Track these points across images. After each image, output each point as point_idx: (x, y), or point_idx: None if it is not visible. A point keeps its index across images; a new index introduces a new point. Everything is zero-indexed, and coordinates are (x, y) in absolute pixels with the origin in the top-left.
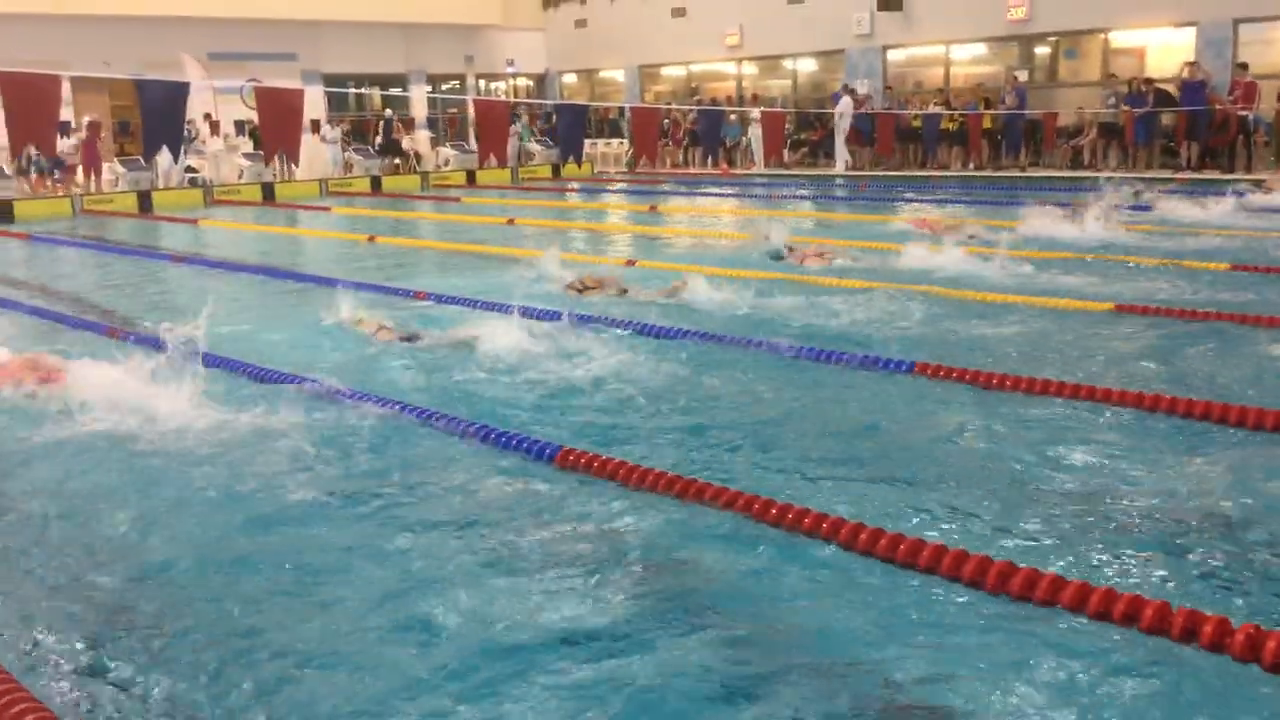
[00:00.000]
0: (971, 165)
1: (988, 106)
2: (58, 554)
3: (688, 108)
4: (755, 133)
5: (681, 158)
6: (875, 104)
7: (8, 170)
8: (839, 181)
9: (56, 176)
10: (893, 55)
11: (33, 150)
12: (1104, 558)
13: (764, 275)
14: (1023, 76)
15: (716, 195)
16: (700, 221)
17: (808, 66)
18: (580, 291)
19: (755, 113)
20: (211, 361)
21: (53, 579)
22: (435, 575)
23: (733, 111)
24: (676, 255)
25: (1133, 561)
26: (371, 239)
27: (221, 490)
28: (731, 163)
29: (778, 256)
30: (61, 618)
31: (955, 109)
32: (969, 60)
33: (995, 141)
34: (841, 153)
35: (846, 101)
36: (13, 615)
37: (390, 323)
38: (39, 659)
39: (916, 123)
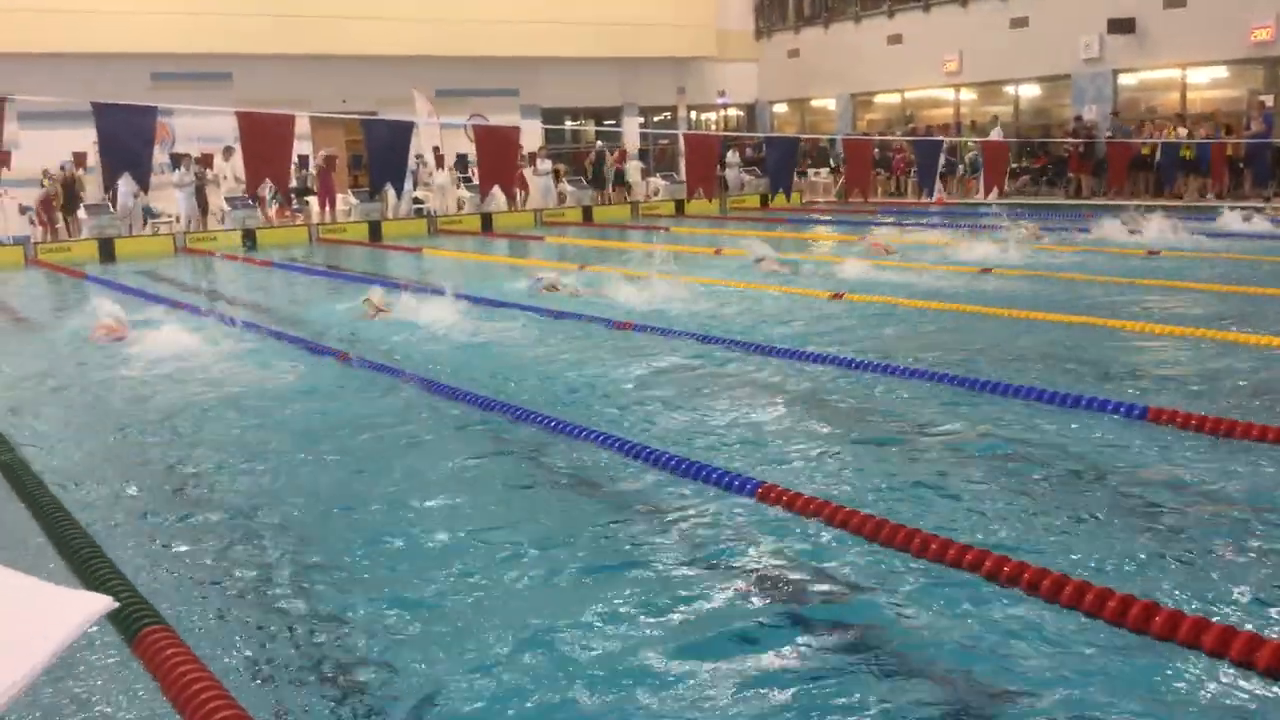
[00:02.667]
0: (1211, 195)
1: (1228, 133)
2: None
3: (909, 138)
4: (975, 160)
5: (895, 187)
6: (1101, 130)
7: (253, 202)
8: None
9: (295, 206)
10: (1124, 79)
11: (269, 184)
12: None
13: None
14: (1269, 101)
15: (928, 225)
16: (907, 254)
17: (1030, 91)
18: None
19: (993, 135)
20: (438, 389)
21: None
22: (627, 597)
23: (953, 140)
24: (890, 282)
25: None
26: (582, 268)
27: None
28: (947, 191)
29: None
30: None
31: (1194, 135)
32: (1207, 84)
33: (1237, 170)
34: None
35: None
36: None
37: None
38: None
39: (1146, 150)
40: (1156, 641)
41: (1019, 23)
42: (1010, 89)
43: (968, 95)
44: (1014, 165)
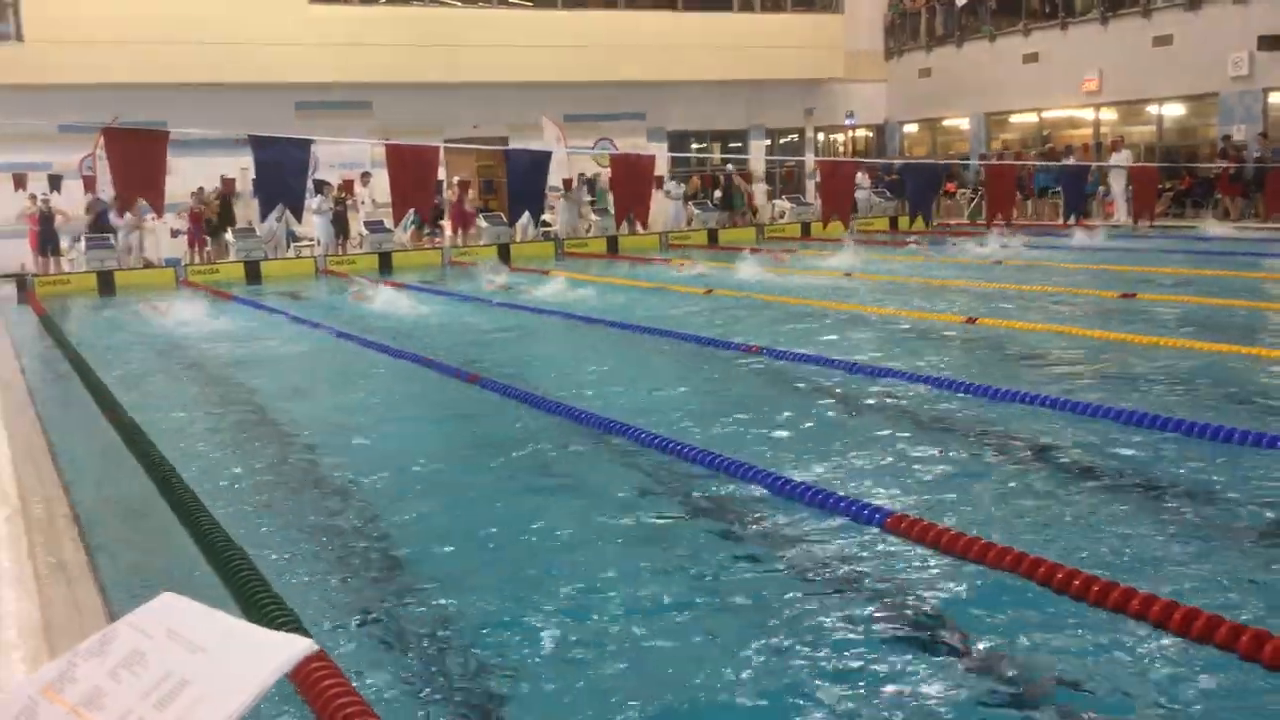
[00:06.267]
0: None
1: None
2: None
3: (1050, 163)
4: (1117, 182)
5: (1030, 210)
6: (1250, 151)
7: (389, 226)
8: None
9: (428, 231)
10: (1275, 98)
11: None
12: None
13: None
14: None
15: (1069, 249)
16: (1051, 277)
17: (1175, 111)
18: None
19: (1115, 158)
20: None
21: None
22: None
23: (1097, 166)
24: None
25: None
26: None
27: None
28: (1087, 214)
29: None
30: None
31: None
32: None
33: None
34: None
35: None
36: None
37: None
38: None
39: None
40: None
41: (1162, 40)
42: (1153, 108)
43: (1108, 115)
44: (1161, 186)
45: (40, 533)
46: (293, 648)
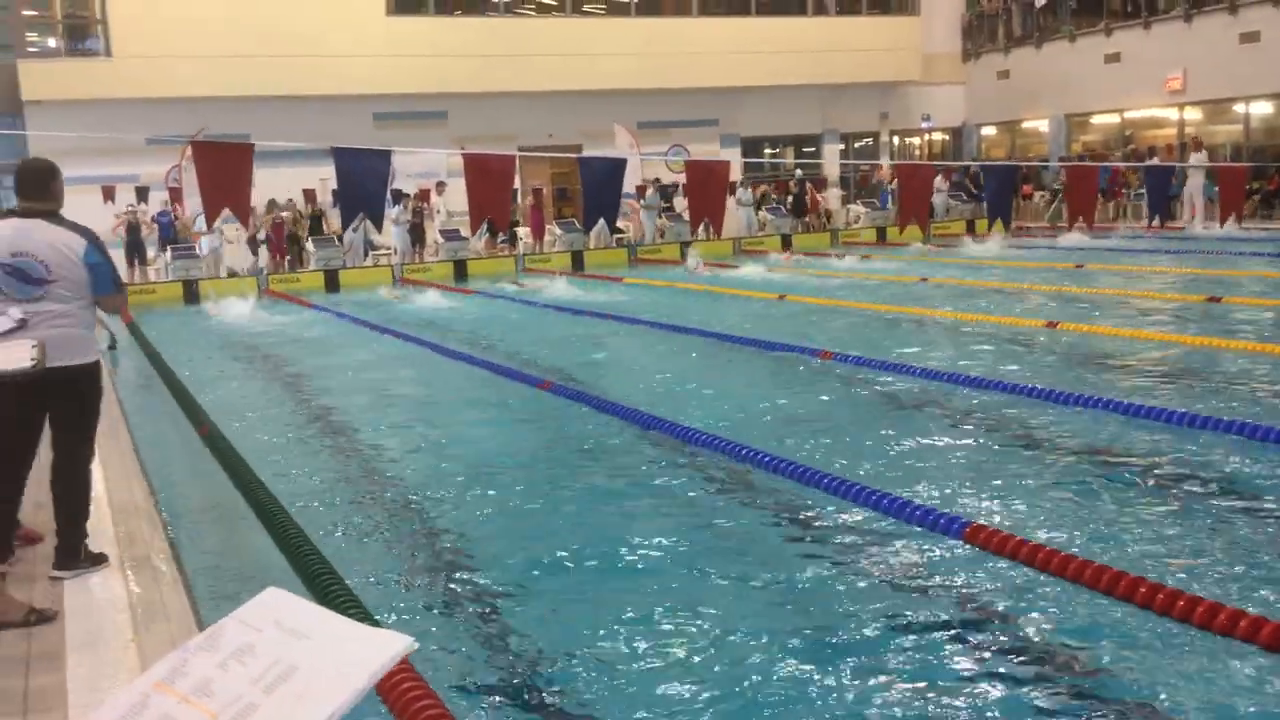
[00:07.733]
0: None
1: None
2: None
3: (1135, 164)
4: (1195, 183)
5: (1111, 213)
6: None
7: (464, 234)
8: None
9: (502, 239)
10: None
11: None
12: None
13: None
14: None
15: (1153, 252)
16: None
17: (1262, 110)
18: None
19: (1194, 159)
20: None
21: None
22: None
23: (1181, 166)
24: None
25: None
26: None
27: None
28: (1172, 216)
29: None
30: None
31: None
32: None
33: None
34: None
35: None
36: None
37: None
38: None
39: None
40: None
41: (1249, 37)
42: (1240, 107)
43: (1192, 115)
44: (1249, 186)
45: (128, 532)
46: (396, 644)
